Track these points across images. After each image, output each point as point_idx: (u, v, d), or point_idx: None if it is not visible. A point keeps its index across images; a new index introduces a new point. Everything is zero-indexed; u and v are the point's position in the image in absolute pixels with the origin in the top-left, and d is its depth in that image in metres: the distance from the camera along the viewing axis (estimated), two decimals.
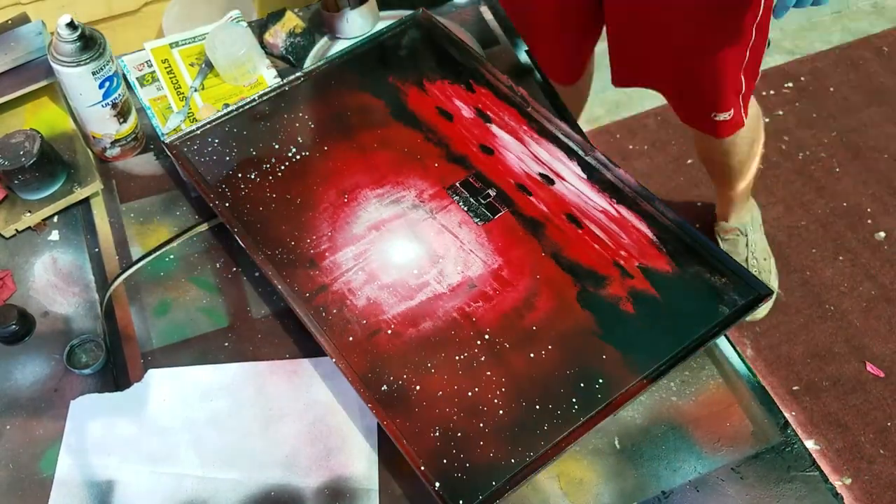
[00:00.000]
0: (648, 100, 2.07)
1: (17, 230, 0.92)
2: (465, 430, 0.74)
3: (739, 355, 0.82)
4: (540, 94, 1.06)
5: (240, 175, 0.93)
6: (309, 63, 1.08)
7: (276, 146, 0.95)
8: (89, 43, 0.88)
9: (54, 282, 0.89)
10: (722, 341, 0.83)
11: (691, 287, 0.82)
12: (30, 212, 0.92)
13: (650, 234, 0.86)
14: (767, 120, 2.04)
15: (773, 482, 0.74)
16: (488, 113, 0.98)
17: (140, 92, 1.05)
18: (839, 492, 0.74)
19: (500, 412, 0.75)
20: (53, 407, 0.80)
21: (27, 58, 0.98)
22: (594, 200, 0.89)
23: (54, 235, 0.93)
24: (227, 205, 0.90)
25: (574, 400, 0.75)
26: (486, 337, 0.80)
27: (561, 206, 0.89)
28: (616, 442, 0.77)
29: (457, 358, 0.78)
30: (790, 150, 1.97)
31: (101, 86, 0.90)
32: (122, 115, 0.95)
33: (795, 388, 1.58)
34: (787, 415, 0.80)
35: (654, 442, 0.77)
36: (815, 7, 0.93)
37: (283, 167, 0.94)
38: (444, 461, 0.72)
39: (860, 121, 2.03)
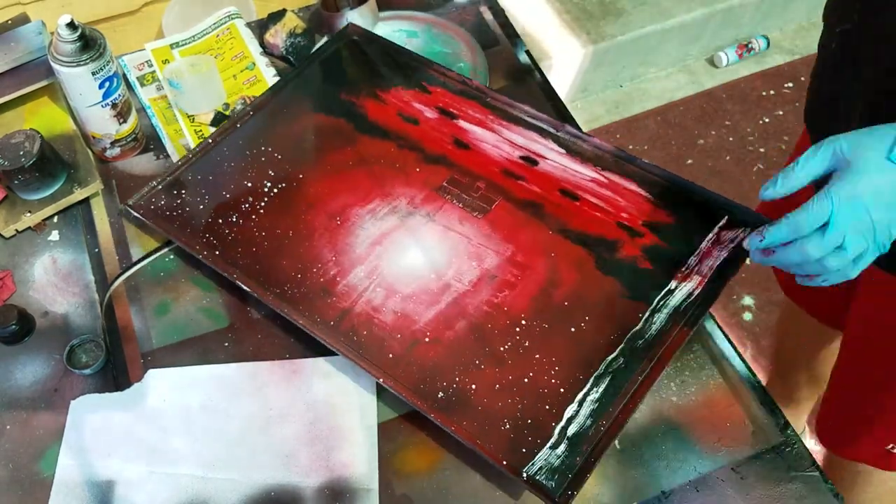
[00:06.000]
0: (649, 100, 2.07)
1: (17, 230, 0.92)
2: (533, 415, 0.74)
3: (739, 355, 0.82)
4: (540, 94, 1.05)
5: (220, 220, 0.89)
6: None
7: (249, 184, 0.92)
8: (89, 43, 0.88)
9: (54, 282, 0.89)
10: (722, 341, 0.83)
11: (695, 231, 0.84)
12: (30, 212, 0.92)
13: (643, 192, 0.89)
14: (768, 120, 2.04)
15: (773, 482, 0.74)
16: (451, 110, 0.98)
17: (140, 92, 1.05)
18: (839, 492, 0.74)
19: (561, 390, 0.75)
20: (53, 407, 0.80)
21: (27, 58, 0.98)
22: (581, 172, 0.91)
23: (54, 235, 0.93)
24: (217, 253, 0.86)
25: (624, 362, 0.77)
26: (523, 322, 0.80)
27: (551, 183, 0.91)
28: (616, 442, 0.77)
29: (502, 349, 0.78)
30: (790, 150, 1.97)
31: (100, 86, 0.90)
32: (121, 115, 0.95)
33: None
34: (787, 415, 0.80)
35: (654, 442, 0.77)
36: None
37: (262, 203, 0.90)
38: (523, 450, 0.72)
39: None
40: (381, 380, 0.76)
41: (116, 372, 0.83)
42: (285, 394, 0.80)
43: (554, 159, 0.92)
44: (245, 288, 0.83)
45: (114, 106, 0.93)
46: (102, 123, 0.94)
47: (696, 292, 0.80)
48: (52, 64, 0.89)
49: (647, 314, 0.80)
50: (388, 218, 0.89)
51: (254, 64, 1.06)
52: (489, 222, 0.88)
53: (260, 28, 1.11)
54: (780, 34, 2.25)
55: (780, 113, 2.05)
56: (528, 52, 1.10)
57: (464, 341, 0.79)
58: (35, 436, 0.79)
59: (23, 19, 1.03)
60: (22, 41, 0.99)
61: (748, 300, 1.73)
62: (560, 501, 0.69)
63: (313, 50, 1.07)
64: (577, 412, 0.74)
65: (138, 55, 1.09)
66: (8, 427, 0.79)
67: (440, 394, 0.76)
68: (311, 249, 0.87)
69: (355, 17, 1.08)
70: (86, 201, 0.95)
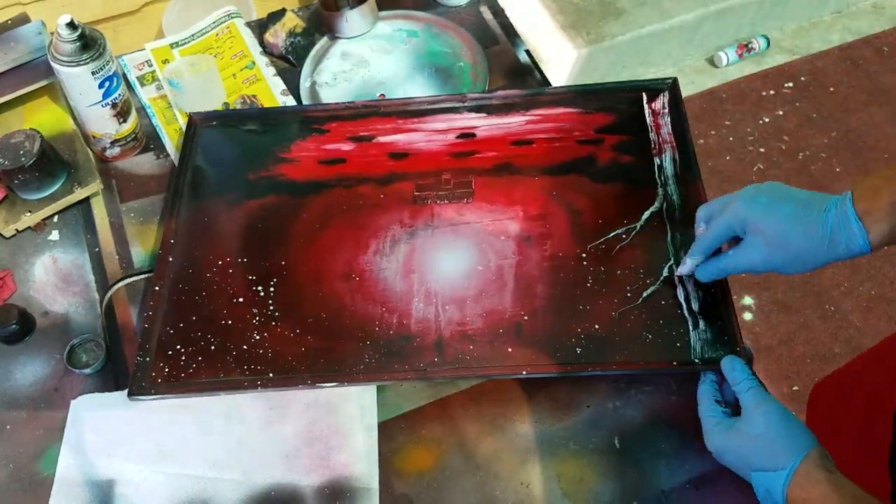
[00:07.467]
0: None
1: (17, 230, 0.92)
2: (657, 315, 0.79)
3: None
4: None
5: (244, 347, 0.80)
6: (308, 64, 1.08)
7: (240, 299, 0.84)
8: (89, 43, 0.88)
9: (54, 281, 0.89)
10: None
11: (635, 115, 0.94)
12: (30, 212, 0.92)
13: (573, 110, 0.96)
14: (768, 120, 2.04)
15: None
16: (361, 134, 0.97)
17: (140, 91, 1.05)
18: None
19: (659, 284, 0.81)
20: (53, 406, 0.80)
21: (27, 58, 0.98)
22: (513, 121, 0.96)
23: (54, 235, 0.93)
24: (271, 376, 0.78)
25: (681, 235, 0.84)
26: (583, 255, 0.84)
27: (501, 141, 0.95)
28: (616, 441, 0.77)
29: (588, 284, 0.82)
30: (790, 150, 1.97)
31: (100, 85, 0.90)
32: (121, 115, 0.95)
33: (795, 388, 1.58)
34: None
35: (654, 441, 0.77)
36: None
37: (270, 308, 0.83)
38: (677, 345, 0.77)
39: (860, 121, 2.03)
40: (525, 372, 0.77)
41: (116, 372, 0.83)
42: (285, 393, 0.80)
43: (483, 124, 0.96)
44: (330, 386, 0.78)
45: (114, 105, 0.93)
46: (102, 123, 0.94)
47: (676, 155, 0.90)
48: (52, 64, 0.89)
49: (660, 192, 0.87)
50: (398, 247, 0.87)
51: (253, 63, 1.07)
52: (482, 200, 0.90)
53: (260, 27, 1.11)
54: (780, 34, 2.26)
55: (780, 113, 2.05)
56: (527, 52, 1.10)
57: (555, 299, 0.82)
58: (35, 436, 0.79)
59: (23, 19, 1.03)
60: (22, 41, 0.99)
61: (748, 300, 1.73)
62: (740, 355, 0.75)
63: (182, 142, 0.98)
64: (687, 290, 0.80)
65: (138, 55, 1.09)
66: (8, 427, 0.79)
67: (577, 349, 0.78)
68: (356, 315, 0.82)
69: (355, 16, 1.08)
70: (86, 201, 0.95)
